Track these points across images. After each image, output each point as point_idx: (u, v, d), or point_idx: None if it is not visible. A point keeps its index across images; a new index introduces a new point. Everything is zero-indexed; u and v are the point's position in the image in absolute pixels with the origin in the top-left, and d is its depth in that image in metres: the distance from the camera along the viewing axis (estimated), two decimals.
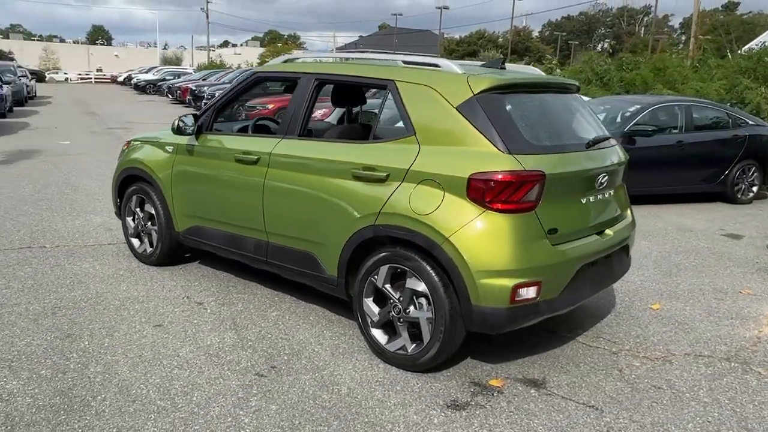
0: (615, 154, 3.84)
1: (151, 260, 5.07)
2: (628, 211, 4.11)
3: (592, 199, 3.53)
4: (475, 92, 3.27)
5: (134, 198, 5.11)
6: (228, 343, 3.73)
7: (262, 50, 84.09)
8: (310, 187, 3.77)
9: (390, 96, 3.59)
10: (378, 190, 3.44)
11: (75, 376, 3.26)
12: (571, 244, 3.35)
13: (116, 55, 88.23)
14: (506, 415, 3.07)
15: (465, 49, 64.88)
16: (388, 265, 3.45)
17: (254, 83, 4.46)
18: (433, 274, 3.23)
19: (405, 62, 3.75)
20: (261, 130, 4.75)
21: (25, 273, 4.81)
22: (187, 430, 2.82)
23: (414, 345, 3.42)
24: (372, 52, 4.63)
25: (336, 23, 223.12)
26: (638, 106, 8.65)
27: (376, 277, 3.51)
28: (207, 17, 58.55)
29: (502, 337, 3.92)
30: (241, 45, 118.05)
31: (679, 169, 8.57)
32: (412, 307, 3.40)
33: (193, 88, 22.15)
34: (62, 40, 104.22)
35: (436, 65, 3.58)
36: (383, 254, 3.45)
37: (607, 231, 3.69)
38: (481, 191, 3.10)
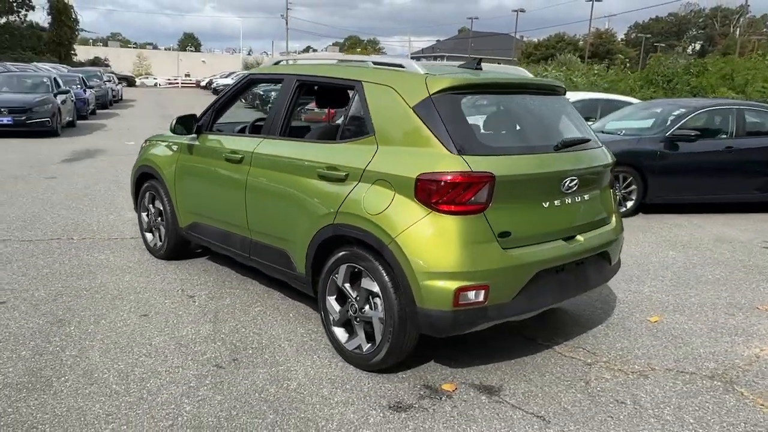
0: (592, 158, 3.68)
1: (159, 254, 5.31)
2: (613, 218, 3.93)
3: (557, 203, 3.41)
4: (431, 92, 3.24)
5: (147, 194, 5.38)
6: (201, 335, 3.87)
7: (340, 55, 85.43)
8: (284, 186, 3.85)
9: (357, 96, 3.62)
10: (338, 189, 3.47)
11: (49, 359, 3.48)
12: (527, 248, 3.25)
13: (203, 61, 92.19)
14: (446, 419, 3.02)
15: (543, 52, 63.47)
16: (346, 265, 3.48)
17: (248, 84, 4.61)
18: (384, 275, 3.23)
19: (374, 63, 3.76)
20: (257, 130, 4.88)
21: (44, 262, 5.17)
22: (128, 414, 2.96)
23: (369, 345, 3.42)
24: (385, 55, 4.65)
25: (416, 28, 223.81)
26: (683, 110, 8.22)
27: (336, 276, 3.54)
28: (286, 23, 60.29)
29: (474, 342, 3.87)
30: (322, 50, 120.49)
31: (729, 177, 8.07)
32: (367, 307, 3.42)
33: (261, 92, 22.87)
34: (155, 47, 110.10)
35: (401, 65, 3.57)
36: (342, 253, 3.48)
37: (579, 237, 3.55)
38: (428, 192, 3.07)
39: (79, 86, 19.54)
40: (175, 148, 4.98)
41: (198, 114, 4.83)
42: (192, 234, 4.90)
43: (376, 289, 3.31)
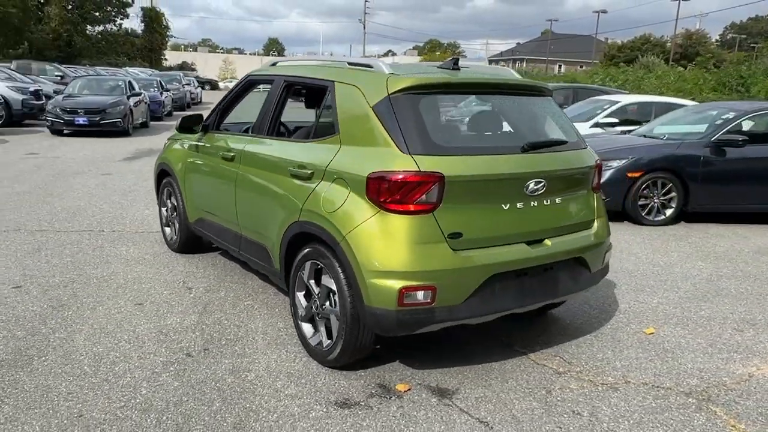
0: (566, 160, 3.56)
1: (174, 248, 5.57)
2: (596, 223, 3.77)
3: (519, 205, 3.32)
4: (390, 92, 3.25)
5: (165, 190, 5.65)
6: (185, 325, 4.04)
7: (418, 59, 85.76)
8: (264, 183, 3.97)
9: (329, 96, 3.67)
10: (304, 187, 3.54)
11: (39, 339, 3.74)
12: (481, 250, 3.19)
13: None
14: (386, 419, 3.02)
15: (627, 54, 61.07)
16: (310, 262, 3.54)
17: (248, 85, 4.76)
18: (340, 272, 3.27)
19: (349, 63, 3.80)
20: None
21: (69, 251, 5.53)
22: (88, 393, 3.14)
23: (328, 341, 3.47)
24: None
25: (497, 31, 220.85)
26: (733, 114, 7.73)
27: (303, 272, 3.61)
28: (364, 27, 61.08)
29: (446, 344, 3.84)
30: (401, 54, 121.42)
31: None
32: (327, 303, 3.46)
33: None
34: (241, 52, 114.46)
35: (369, 66, 3.60)
36: (307, 250, 3.54)
37: (546, 241, 3.44)
38: (378, 191, 3.09)
39: (155, 89, 20.66)
40: (186, 146, 5.21)
41: (206, 114, 5.03)
42: (197, 229, 5.11)
43: (333, 286, 3.35)
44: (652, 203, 7.45)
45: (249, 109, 5.14)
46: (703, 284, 5.29)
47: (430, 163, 3.07)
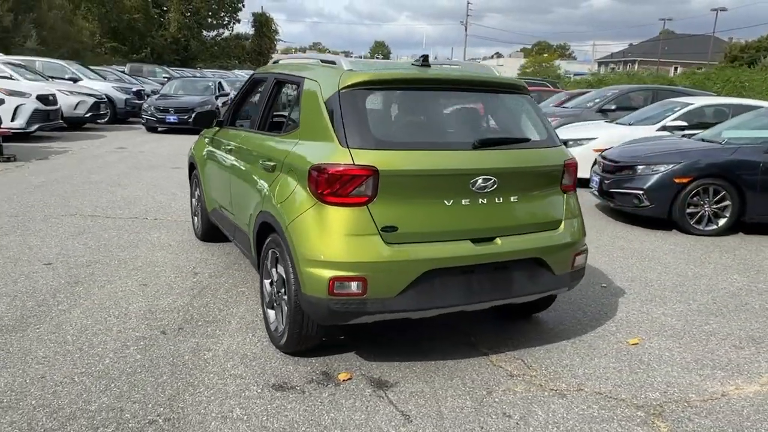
0: (525, 158, 3.48)
1: (198, 236, 5.94)
2: (563, 224, 3.64)
3: (465, 202, 3.28)
4: (341, 88, 3.34)
5: (193, 182, 6.03)
6: (174, 306, 4.32)
7: (524, 61, 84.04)
8: (246, 174, 4.18)
9: (298, 91, 3.81)
10: (268, 178, 3.71)
11: (43, 310, 4.16)
12: (417, 245, 3.20)
13: None
14: (312, 404, 3.11)
15: (752, 55, 56.53)
16: (272, 250, 3.69)
17: (253, 84, 5.00)
18: (288, 260, 3.40)
19: (322, 60, 3.92)
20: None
21: (108, 236, 6.04)
22: (58, 359, 3.47)
23: (282, 327, 3.60)
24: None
25: (611, 32, 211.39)
26: None
27: (267, 260, 3.78)
28: (465, 30, 60.76)
29: (408, 339, 3.88)
30: (508, 56, 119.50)
31: None
32: (283, 290, 3.60)
33: None
34: (347, 55, 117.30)
35: (334, 62, 3.69)
36: (269, 239, 3.70)
37: (498, 240, 3.38)
38: (316, 183, 3.19)
39: None
40: (206, 140, 5.54)
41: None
42: (213, 218, 5.42)
43: (284, 274, 3.48)
44: (703, 211, 6.96)
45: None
46: (724, 298, 4.92)
47: (365, 157, 3.13)
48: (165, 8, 55.25)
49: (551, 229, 3.61)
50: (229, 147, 4.66)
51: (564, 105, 13.95)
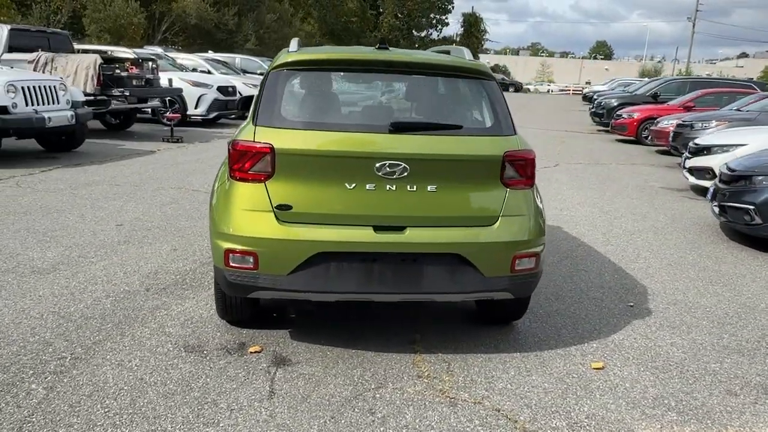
0: (446, 146, 3.22)
1: None
2: (500, 221, 3.28)
3: (369, 186, 3.15)
4: (272, 68, 3.43)
5: None
6: (180, 270, 4.76)
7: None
8: None
9: None
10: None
11: (78, 261, 4.84)
12: (311, 227, 3.15)
13: (606, 69, 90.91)
14: (202, 367, 3.27)
15: None
16: None
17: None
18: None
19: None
20: None
21: (190, 207, 6.75)
22: (49, 299, 4.05)
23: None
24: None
25: None
26: None
27: None
28: (693, 26, 54.99)
29: (347, 326, 3.86)
30: (751, 56, 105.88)
31: None
32: None
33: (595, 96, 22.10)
34: (563, 55, 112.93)
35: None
36: None
37: (408, 230, 3.19)
38: (230, 158, 3.32)
39: None
40: None
41: None
42: None
43: None
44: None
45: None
46: (742, 314, 4.01)
47: (265, 135, 3.18)
48: (381, 10, 58.62)
49: (482, 225, 3.30)
50: None
51: (745, 108, 12.08)
